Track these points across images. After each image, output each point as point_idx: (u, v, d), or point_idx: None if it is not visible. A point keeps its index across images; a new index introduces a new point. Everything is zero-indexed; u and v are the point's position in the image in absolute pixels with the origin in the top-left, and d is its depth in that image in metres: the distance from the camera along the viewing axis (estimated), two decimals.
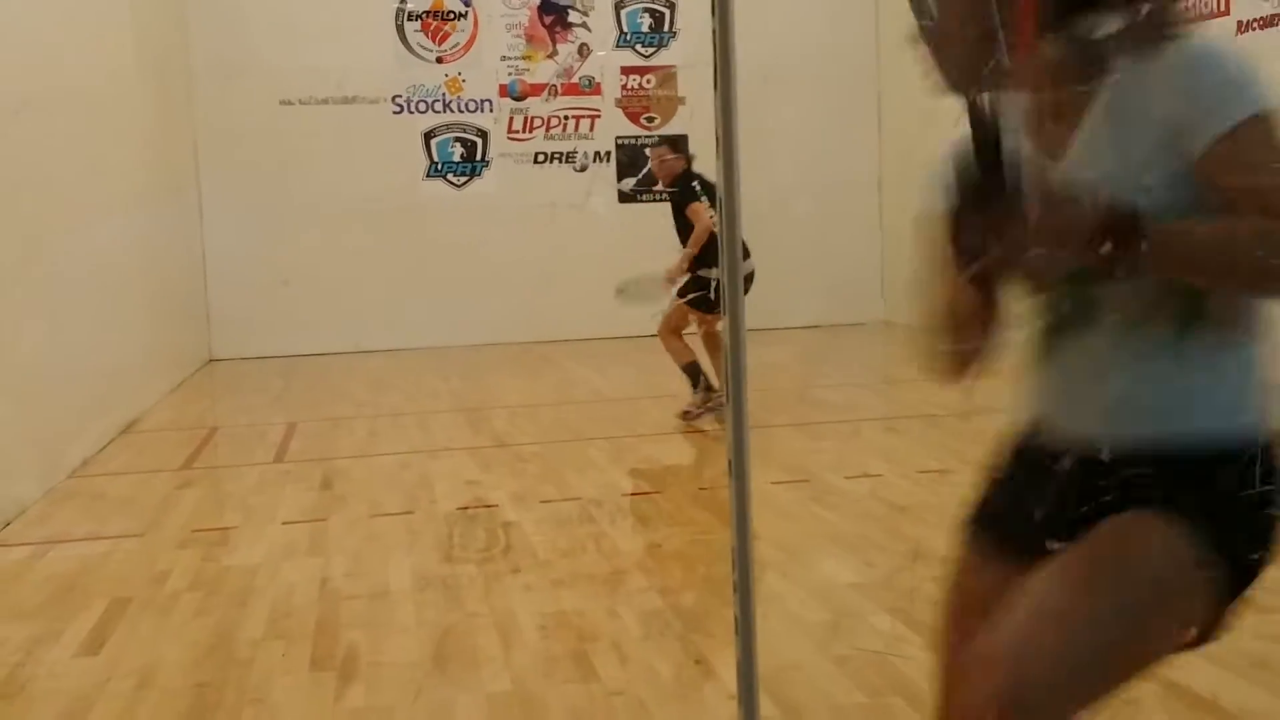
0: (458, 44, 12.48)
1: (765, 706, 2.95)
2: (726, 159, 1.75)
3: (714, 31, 1.71)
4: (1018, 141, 1.63)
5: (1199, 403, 1.61)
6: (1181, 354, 1.60)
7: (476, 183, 12.55)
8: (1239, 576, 1.65)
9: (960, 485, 5.24)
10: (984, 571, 1.80)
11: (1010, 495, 1.80)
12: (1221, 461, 1.60)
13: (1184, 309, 1.58)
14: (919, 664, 3.20)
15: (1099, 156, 1.59)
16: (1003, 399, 1.86)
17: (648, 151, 7.87)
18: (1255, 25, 7.61)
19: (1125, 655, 1.59)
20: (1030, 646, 1.50)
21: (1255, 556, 1.65)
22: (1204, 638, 1.70)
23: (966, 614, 1.82)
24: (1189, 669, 3.04)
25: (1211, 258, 1.50)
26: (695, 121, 12.13)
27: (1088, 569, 1.57)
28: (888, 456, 6.27)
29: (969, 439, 6.51)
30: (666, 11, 12.83)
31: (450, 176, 12.51)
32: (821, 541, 4.53)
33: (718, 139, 1.75)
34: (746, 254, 5.26)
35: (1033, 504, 1.70)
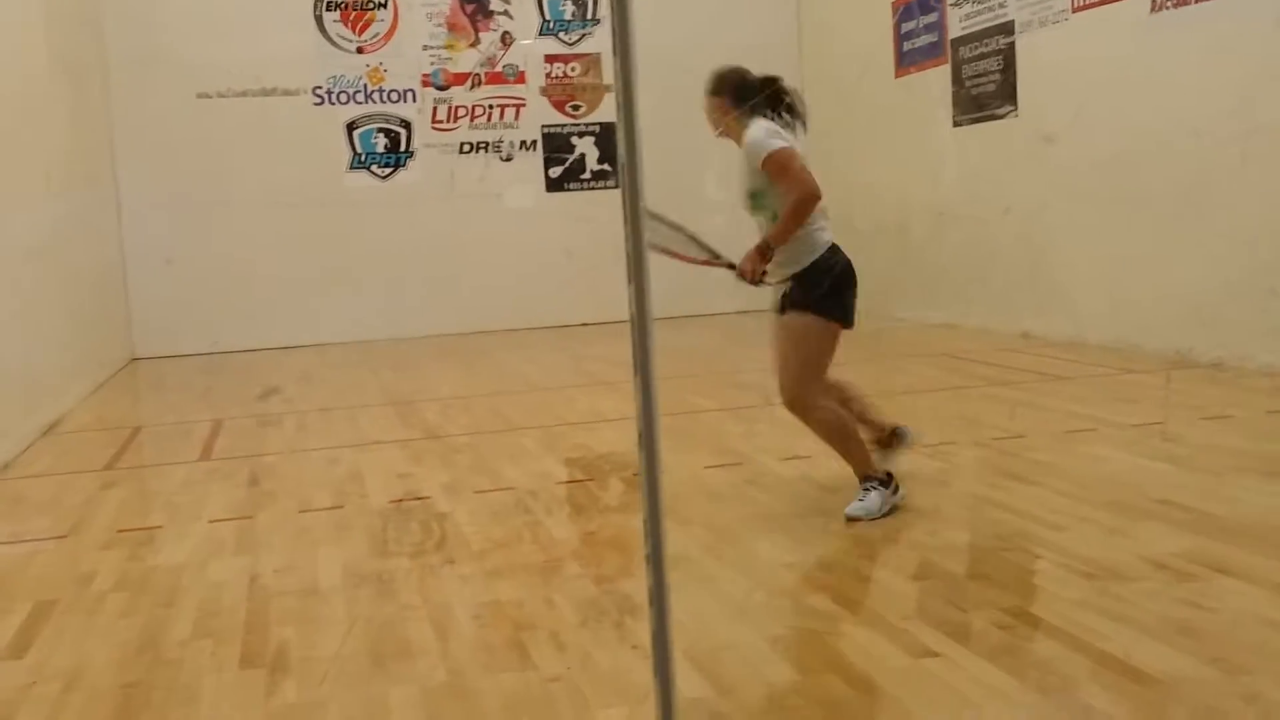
0: (378, 34, 12.35)
1: (700, 686, 2.96)
2: (627, 132, 1.75)
3: (611, 8, 1.71)
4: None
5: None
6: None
7: (401, 174, 12.44)
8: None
9: (888, 463, 5.23)
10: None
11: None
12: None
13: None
14: (852, 641, 3.23)
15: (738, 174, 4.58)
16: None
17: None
18: (1169, 5, 7.75)
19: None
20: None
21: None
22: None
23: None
24: (1118, 639, 3.10)
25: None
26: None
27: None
28: (817, 438, 6.30)
29: (894, 418, 6.57)
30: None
31: (374, 168, 12.39)
32: (755, 523, 4.55)
33: (619, 109, 1.77)
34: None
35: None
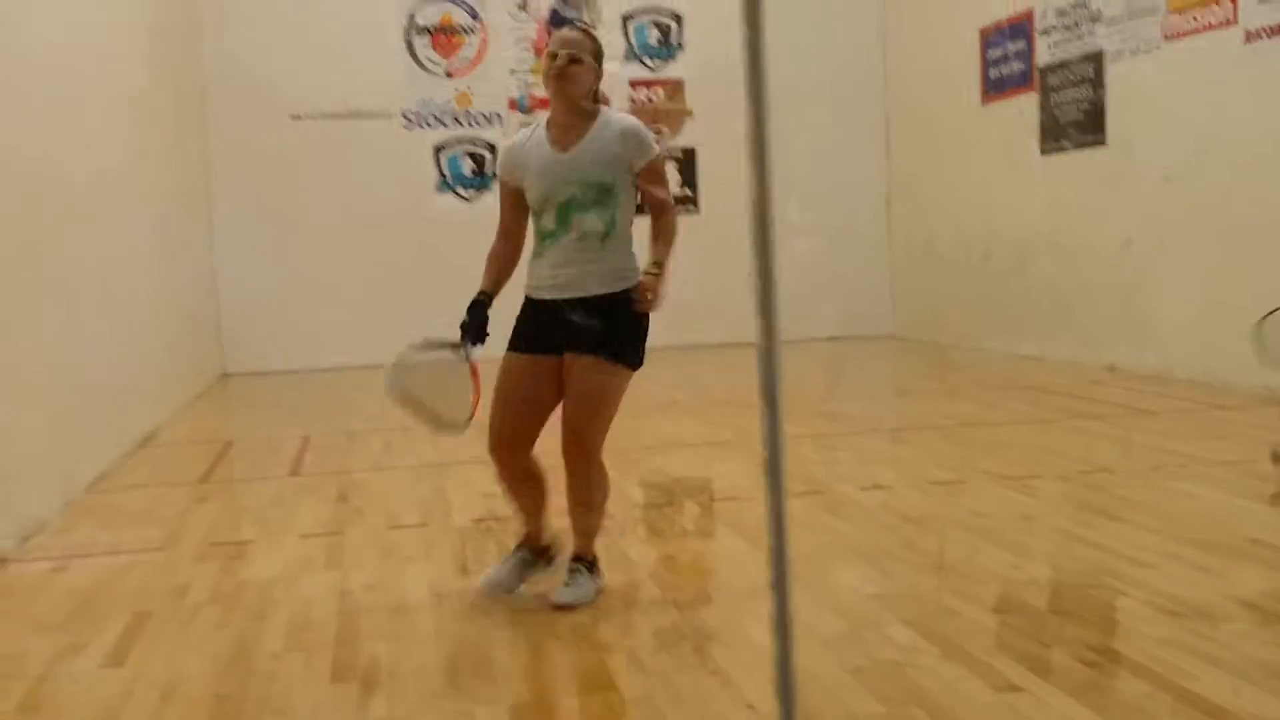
0: (466, 58, 12.55)
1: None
2: (757, 167, 1.79)
3: (745, 38, 1.76)
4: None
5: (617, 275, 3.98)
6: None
7: (487, 196, 12.60)
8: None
9: (971, 496, 5.27)
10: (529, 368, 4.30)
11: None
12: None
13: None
14: (935, 674, 3.23)
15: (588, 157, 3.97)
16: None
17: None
18: (1263, 35, 7.64)
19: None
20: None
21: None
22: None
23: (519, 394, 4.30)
24: (1203, 678, 3.07)
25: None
26: (708, 133, 12.35)
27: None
28: (899, 468, 6.29)
29: (979, 449, 6.54)
30: (673, 24, 12.89)
31: (461, 190, 12.57)
32: (836, 552, 4.55)
33: (752, 148, 1.81)
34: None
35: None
